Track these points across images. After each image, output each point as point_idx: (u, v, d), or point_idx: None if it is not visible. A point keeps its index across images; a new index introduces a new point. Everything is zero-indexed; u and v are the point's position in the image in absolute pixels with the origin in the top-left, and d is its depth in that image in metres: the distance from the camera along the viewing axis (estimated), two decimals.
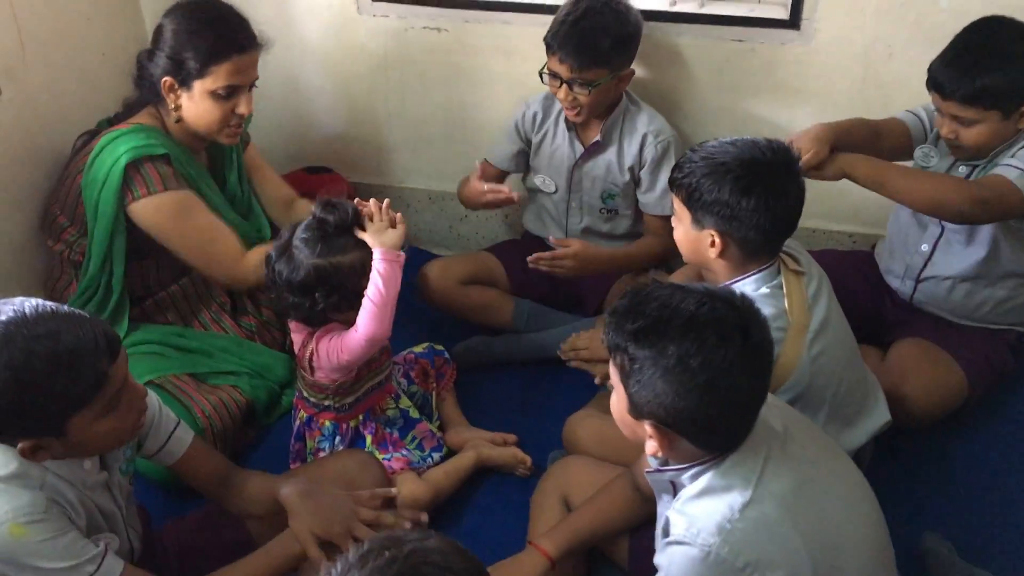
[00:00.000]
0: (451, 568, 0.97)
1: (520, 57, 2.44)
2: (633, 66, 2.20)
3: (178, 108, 2.03)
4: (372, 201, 1.87)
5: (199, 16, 1.99)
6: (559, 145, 2.33)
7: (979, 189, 1.84)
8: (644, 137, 2.25)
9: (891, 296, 2.22)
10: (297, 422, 2.02)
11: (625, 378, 1.29)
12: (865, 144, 1.98)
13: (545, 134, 2.34)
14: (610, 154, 2.29)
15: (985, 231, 1.98)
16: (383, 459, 1.96)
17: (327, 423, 1.98)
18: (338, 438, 1.99)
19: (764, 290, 1.63)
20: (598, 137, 2.26)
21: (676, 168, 1.67)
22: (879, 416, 1.80)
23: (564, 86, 2.14)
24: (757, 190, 1.57)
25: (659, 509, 1.48)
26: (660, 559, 1.34)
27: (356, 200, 1.89)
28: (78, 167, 2.05)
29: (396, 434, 2.03)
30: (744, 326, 1.26)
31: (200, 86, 1.98)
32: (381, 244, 1.81)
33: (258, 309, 2.33)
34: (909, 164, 2.07)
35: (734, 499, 1.28)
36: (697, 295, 1.28)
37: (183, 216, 2.04)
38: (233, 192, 2.27)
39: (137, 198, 2.00)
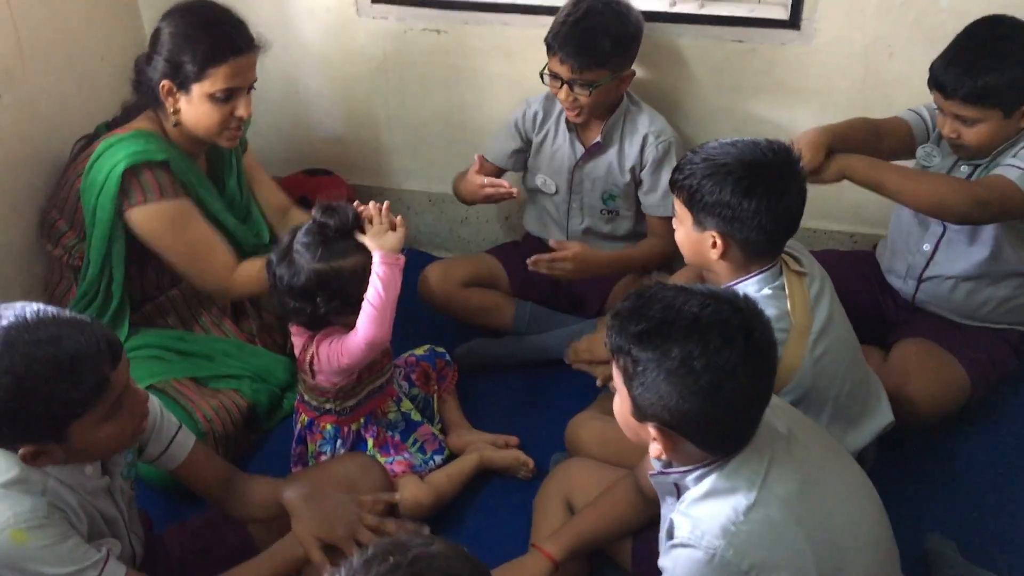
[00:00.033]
0: (456, 573, 0.96)
1: (520, 58, 2.43)
2: (633, 67, 2.20)
3: (177, 112, 2.02)
4: (372, 204, 1.86)
5: (196, 19, 1.99)
6: (560, 146, 2.32)
7: (980, 189, 1.84)
8: (645, 138, 2.25)
9: (893, 296, 2.22)
10: (298, 426, 2.02)
11: (628, 380, 1.29)
12: (865, 144, 1.97)
13: (546, 134, 2.33)
14: (611, 155, 2.29)
15: (988, 230, 1.98)
16: (385, 462, 1.96)
17: (328, 426, 1.98)
18: (339, 441, 1.98)
19: (766, 291, 1.63)
20: (599, 138, 2.26)
21: (677, 170, 1.67)
22: (882, 417, 1.80)
23: (565, 87, 2.14)
24: (759, 191, 1.57)
25: (663, 511, 1.48)
26: (664, 562, 1.34)
27: (355, 203, 1.88)
28: (77, 171, 2.05)
29: (398, 437, 2.03)
30: (748, 328, 1.25)
31: (198, 89, 1.98)
32: (380, 247, 1.81)
33: (258, 312, 2.32)
34: (911, 163, 2.08)
35: (738, 501, 1.27)
36: (700, 297, 1.27)
37: (177, 226, 2.04)
38: (232, 196, 2.26)
39: (133, 205, 1.99)
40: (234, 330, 2.26)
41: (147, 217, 2.01)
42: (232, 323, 2.27)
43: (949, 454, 2.09)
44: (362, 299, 1.80)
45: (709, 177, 1.59)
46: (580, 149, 2.30)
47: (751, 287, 1.63)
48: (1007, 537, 1.91)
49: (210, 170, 2.23)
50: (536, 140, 2.35)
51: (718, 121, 2.42)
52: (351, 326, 1.83)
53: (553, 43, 2.11)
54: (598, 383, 2.00)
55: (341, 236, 1.82)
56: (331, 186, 2.70)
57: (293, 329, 1.96)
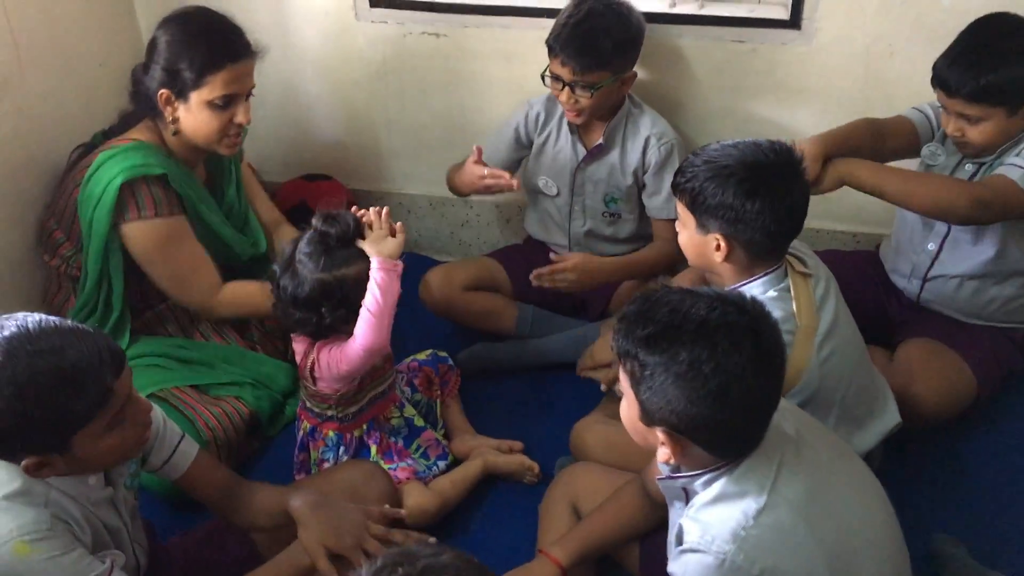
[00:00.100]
0: None
1: (520, 61, 2.43)
2: (634, 68, 2.19)
3: (176, 120, 2.01)
4: (372, 209, 1.86)
5: (192, 27, 1.99)
6: (562, 148, 2.31)
7: (981, 190, 1.83)
8: (647, 140, 2.24)
9: (897, 296, 2.21)
10: (301, 432, 2.01)
11: (636, 385, 1.28)
12: (867, 147, 1.97)
13: (548, 136, 2.32)
14: (613, 157, 2.28)
15: (993, 229, 1.97)
16: (388, 469, 1.95)
17: (331, 433, 1.97)
18: (342, 448, 1.97)
19: (772, 293, 1.62)
20: (601, 140, 2.25)
21: (679, 173, 1.66)
22: (889, 418, 1.79)
23: (566, 89, 2.13)
24: (761, 192, 1.56)
25: (671, 516, 1.47)
26: (674, 567, 1.33)
27: (354, 208, 1.88)
28: (75, 181, 2.04)
29: (401, 443, 2.02)
30: (755, 330, 1.25)
31: (197, 97, 1.97)
32: (379, 253, 1.80)
33: (260, 319, 2.31)
34: (916, 162, 2.07)
35: (748, 505, 1.26)
36: (707, 300, 1.26)
37: (167, 244, 2.04)
38: (231, 204, 2.26)
39: (128, 220, 1.99)
40: (235, 336, 2.25)
41: (139, 233, 2.01)
42: (233, 329, 2.26)
43: (955, 454, 2.08)
44: None
45: (711, 179, 1.59)
46: (582, 151, 2.29)
47: (756, 289, 1.62)
48: (1014, 537, 1.90)
49: (208, 179, 2.23)
50: (538, 142, 2.34)
51: (719, 122, 2.42)
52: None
53: (554, 45, 2.10)
54: (602, 388, 2.00)
55: (343, 244, 1.81)
56: (331, 191, 2.69)
57: (294, 335, 1.95)
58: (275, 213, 2.42)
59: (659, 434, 1.29)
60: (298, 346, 1.93)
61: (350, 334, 1.84)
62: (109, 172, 1.97)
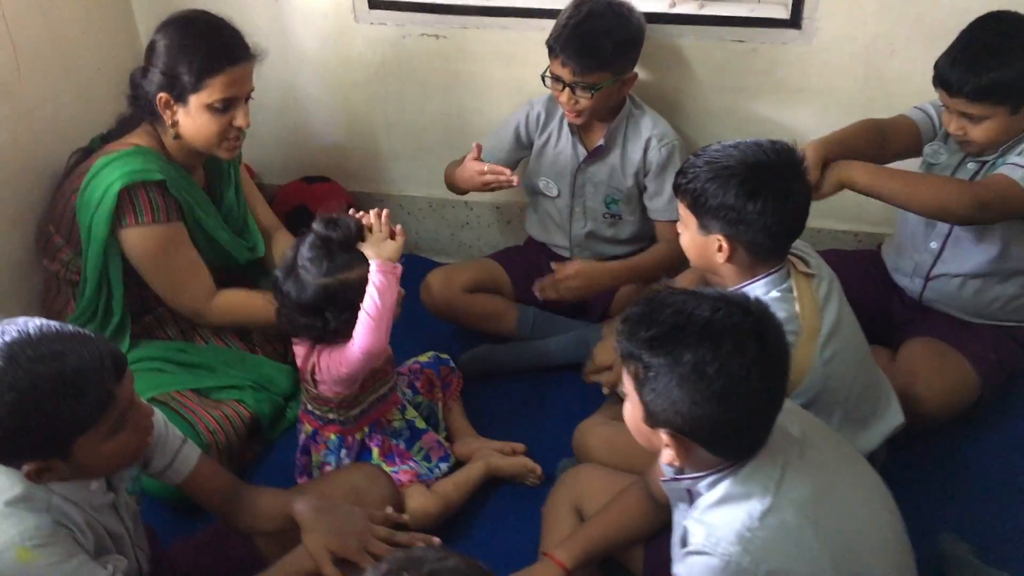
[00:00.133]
0: None
1: (519, 62, 2.42)
2: (635, 69, 2.18)
3: (175, 124, 2.01)
4: (372, 212, 1.85)
5: (191, 30, 1.98)
6: (562, 148, 2.31)
7: (981, 191, 1.83)
8: (648, 141, 2.23)
9: (899, 295, 2.21)
10: (302, 435, 2.01)
11: (640, 386, 1.27)
12: (868, 149, 1.97)
13: (548, 137, 2.32)
14: (613, 158, 2.27)
15: (996, 228, 1.96)
16: (391, 471, 1.94)
17: (333, 436, 1.96)
18: (344, 451, 1.97)
19: (774, 294, 1.62)
20: (601, 141, 2.25)
21: (680, 174, 1.66)
22: (892, 418, 1.79)
23: (566, 90, 2.12)
24: (763, 192, 1.56)
25: (675, 518, 1.46)
26: (679, 569, 1.33)
27: (352, 211, 1.87)
28: (73, 186, 2.04)
29: (403, 445, 2.01)
30: (760, 331, 1.25)
31: (196, 100, 1.97)
32: (378, 256, 1.80)
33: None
34: (918, 161, 2.06)
35: (753, 507, 1.26)
36: (711, 301, 1.26)
37: (163, 252, 2.04)
38: (230, 207, 2.25)
39: (125, 226, 1.99)
40: (235, 339, 2.25)
41: (136, 239, 2.01)
42: (233, 332, 2.26)
43: (959, 453, 2.08)
44: None
45: (713, 180, 1.58)
46: (583, 152, 2.29)
47: (759, 290, 1.62)
48: (1020, 537, 1.89)
49: (207, 182, 2.22)
50: (538, 143, 2.34)
51: (720, 122, 2.41)
52: None
53: (555, 46, 2.10)
54: (604, 391, 1.99)
55: (344, 248, 1.81)
56: (330, 193, 2.69)
57: (295, 339, 1.95)
58: (271, 218, 2.42)
59: (663, 436, 1.28)
60: (299, 349, 1.93)
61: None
62: (108, 177, 1.97)
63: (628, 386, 1.31)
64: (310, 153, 2.78)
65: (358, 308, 1.79)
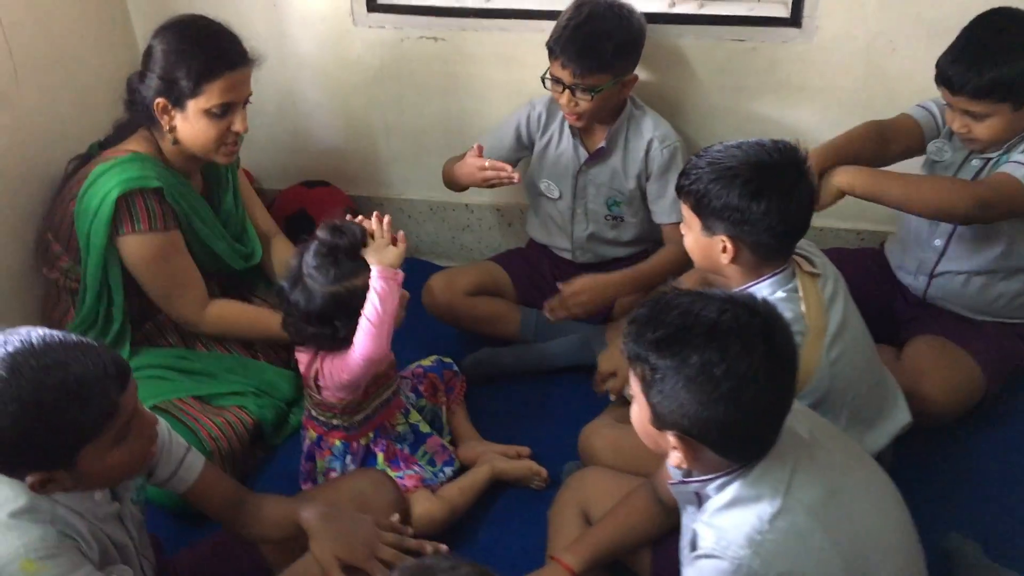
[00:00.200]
0: None
1: (519, 64, 2.42)
2: (635, 70, 2.18)
3: (173, 129, 2.00)
4: (374, 217, 1.84)
5: (188, 35, 1.98)
6: (564, 150, 2.30)
7: (982, 190, 1.83)
8: (650, 143, 2.22)
9: (903, 293, 2.20)
10: (307, 442, 2.00)
11: (647, 388, 1.27)
12: (870, 153, 1.96)
13: (550, 138, 2.31)
14: (615, 160, 2.27)
15: (1000, 225, 1.95)
16: (395, 477, 1.93)
17: (337, 442, 1.95)
18: (348, 457, 1.96)
19: (780, 294, 1.61)
20: (603, 143, 2.24)
21: (683, 175, 1.65)
22: (900, 417, 1.78)
23: (567, 91, 2.12)
24: (767, 193, 1.55)
25: (683, 521, 1.46)
26: (689, 572, 1.32)
27: (348, 216, 1.86)
28: (71, 193, 2.03)
29: (407, 450, 2.01)
30: (767, 332, 1.24)
31: (194, 105, 1.96)
32: (379, 262, 1.79)
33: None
34: (922, 160, 2.06)
35: (763, 509, 1.25)
36: (718, 302, 1.25)
37: (159, 259, 2.04)
38: (228, 212, 2.25)
39: (122, 234, 1.99)
40: (237, 345, 2.24)
41: (132, 247, 2.01)
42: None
43: (965, 451, 2.07)
44: None
45: (716, 181, 1.58)
46: (584, 154, 2.28)
47: (764, 290, 1.61)
48: None
49: (205, 188, 2.22)
50: (539, 144, 2.33)
51: (721, 121, 2.41)
52: None
53: (555, 47, 2.09)
54: (611, 397, 1.99)
55: (350, 255, 1.80)
56: (330, 197, 2.68)
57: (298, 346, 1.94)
58: (270, 223, 2.41)
59: (671, 438, 1.28)
60: (302, 356, 1.92)
61: None
62: (105, 185, 1.96)
63: (635, 388, 1.30)
64: (309, 157, 2.77)
65: None
